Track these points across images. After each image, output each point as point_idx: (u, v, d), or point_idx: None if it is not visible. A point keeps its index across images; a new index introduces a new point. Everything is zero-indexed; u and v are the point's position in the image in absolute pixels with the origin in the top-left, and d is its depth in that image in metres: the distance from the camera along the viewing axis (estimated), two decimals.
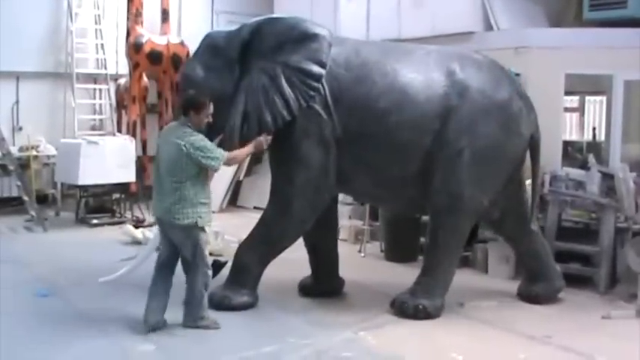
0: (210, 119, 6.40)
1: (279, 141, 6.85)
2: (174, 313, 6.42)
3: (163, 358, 5.87)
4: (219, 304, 6.94)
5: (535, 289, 7.48)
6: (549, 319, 6.99)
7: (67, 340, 6.14)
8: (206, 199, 6.37)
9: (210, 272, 6.48)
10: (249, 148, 6.71)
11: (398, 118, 6.78)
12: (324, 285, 7.61)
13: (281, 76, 6.77)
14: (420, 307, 6.82)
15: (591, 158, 8.50)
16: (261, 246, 7.05)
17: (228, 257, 7.60)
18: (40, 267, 8.57)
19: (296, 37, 6.88)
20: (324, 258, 7.64)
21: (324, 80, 6.80)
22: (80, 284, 7.82)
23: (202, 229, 6.35)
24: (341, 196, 8.41)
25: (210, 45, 7.17)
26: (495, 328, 6.70)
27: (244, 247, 7.19)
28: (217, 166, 6.34)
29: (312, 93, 6.76)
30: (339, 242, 7.93)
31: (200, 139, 6.25)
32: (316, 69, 6.78)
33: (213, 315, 6.57)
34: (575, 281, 7.60)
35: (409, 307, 6.85)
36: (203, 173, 6.34)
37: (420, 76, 6.88)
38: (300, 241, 7.52)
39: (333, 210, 7.65)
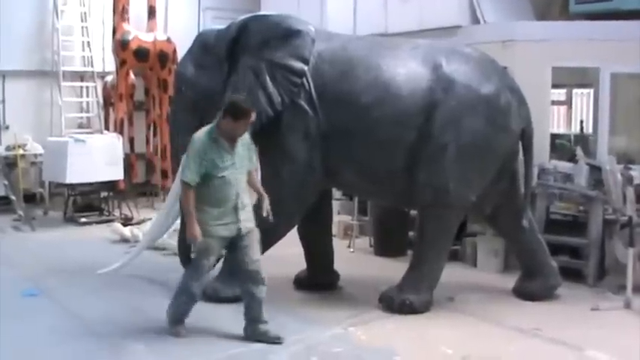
0: (246, 132, 6.05)
1: (266, 137, 6.89)
2: (160, 310, 6.39)
3: (153, 356, 5.84)
4: (211, 296, 7.00)
5: (530, 286, 7.47)
6: (538, 312, 7.01)
7: (55, 340, 6.12)
8: (208, 207, 5.99)
9: (192, 287, 6.16)
10: (189, 217, 6.00)
11: (380, 113, 6.79)
12: (319, 279, 7.66)
13: (265, 73, 6.87)
14: (407, 302, 6.82)
15: (579, 151, 8.52)
16: None
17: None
18: (28, 266, 8.54)
19: (280, 34, 6.96)
20: (319, 252, 7.70)
21: (309, 76, 6.88)
22: (68, 283, 7.79)
23: (203, 233, 6.00)
24: None
25: (202, 43, 7.39)
26: (485, 321, 6.72)
27: None
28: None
29: (294, 89, 6.85)
30: None
31: (188, 151, 5.99)
32: (298, 65, 6.84)
33: (204, 307, 6.57)
34: (564, 274, 7.60)
35: (395, 302, 6.87)
36: (205, 180, 5.95)
37: (405, 71, 6.88)
38: (294, 237, 7.54)
39: (327, 204, 7.70)
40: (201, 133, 5.98)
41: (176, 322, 6.26)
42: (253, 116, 5.97)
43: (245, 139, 6.09)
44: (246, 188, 6.16)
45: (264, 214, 6.09)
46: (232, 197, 5.97)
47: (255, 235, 6.21)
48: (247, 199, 6.12)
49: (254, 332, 6.12)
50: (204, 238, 5.99)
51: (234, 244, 6.12)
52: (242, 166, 6.05)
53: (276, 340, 6.04)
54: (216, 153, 5.89)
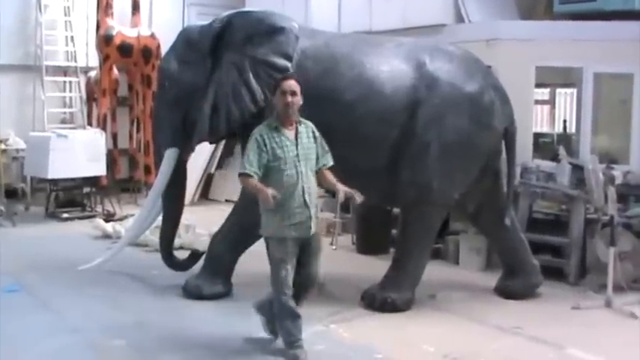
0: (281, 106, 5.51)
1: (249, 133, 6.85)
2: (141, 307, 6.37)
3: (134, 353, 5.81)
4: (193, 293, 7.03)
5: (512, 285, 7.49)
6: (520, 310, 7.03)
7: (36, 336, 6.08)
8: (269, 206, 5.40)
9: (285, 301, 5.52)
10: (257, 189, 5.37)
11: (363, 110, 6.79)
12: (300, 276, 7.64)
13: (248, 70, 6.85)
14: (388, 299, 6.83)
15: (562, 150, 8.55)
16: (233, 236, 7.10)
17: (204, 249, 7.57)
18: (9, 262, 8.45)
19: (264, 31, 6.94)
20: (302, 249, 7.64)
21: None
22: (50, 279, 7.75)
23: (271, 239, 5.56)
24: None
25: (186, 39, 7.36)
26: (466, 319, 6.73)
27: (218, 236, 7.25)
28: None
29: None
30: None
31: (247, 144, 5.55)
32: (282, 62, 6.82)
33: (185, 304, 6.49)
34: (546, 272, 7.63)
35: (377, 300, 6.87)
36: (268, 175, 5.48)
37: (388, 69, 6.89)
38: None
39: None
40: (260, 125, 5.60)
41: (292, 345, 5.59)
42: (298, 90, 5.50)
43: (309, 128, 5.67)
44: (314, 186, 5.62)
45: (341, 199, 5.55)
46: (299, 193, 5.47)
47: (319, 239, 5.80)
48: (316, 198, 5.64)
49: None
50: (274, 245, 5.51)
51: (301, 249, 5.61)
52: (308, 159, 5.57)
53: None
54: (276, 142, 5.47)
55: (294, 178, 5.45)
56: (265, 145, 5.45)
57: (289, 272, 5.50)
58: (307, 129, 5.65)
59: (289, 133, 5.54)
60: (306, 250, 5.63)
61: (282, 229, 5.46)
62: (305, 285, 5.75)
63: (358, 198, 5.53)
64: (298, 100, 5.51)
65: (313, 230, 5.57)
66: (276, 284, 5.52)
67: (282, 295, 5.49)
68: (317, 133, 5.70)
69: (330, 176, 5.72)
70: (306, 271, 5.70)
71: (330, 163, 5.76)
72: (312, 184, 5.57)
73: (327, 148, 5.76)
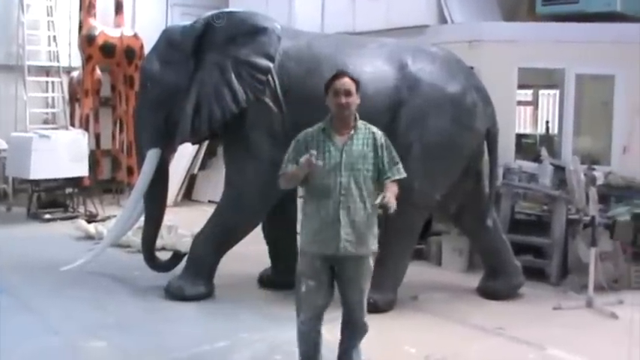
0: (334, 108, 4.82)
1: (231, 133, 6.89)
2: (123, 308, 6.35)
3: (115, 354, 5.80)
4: (175, 294, 7.01)
5: (494, 285, 7.51)
6: (502, 311, 7.06)
7: (17, 338, 6.03)
8: (307, 218, 4.87)
9: (300, 322, 4.94)
10: (295, 171, 4.79)
11: None
12: (284, 278, 7.61)
13: (230, 70, 6.86)
14: (370, 300, 6.72)
15: (544, 151, 8.59)
16: (215, 237, 7.08)
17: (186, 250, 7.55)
18: None
19: (246, 31, 6.95)
20: (284, 251, 7.62)
21: (274, 73, 6.89)
22: (31, 281, 7.70)
23: (299, 253, 4.93)
24: None
25: (168, 39, 7.35)
26: (448, 320, 6.75)
27: (200, 237, 7.22)
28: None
29: (259, 86, 6.84)
30: None
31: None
32: (264, 62, 6.83)
33: (168, 305, 6.45)
34: (527, 273, 7.66)
35: None
36: (306, 185, 4.88)
37: (371, 70, 6.88)
38: (259, 234, 7.52)
39: (292, 203, 7.65)
40: (311, 128, 4.94)
41: None
42: (354, 88, 4.81)
43: (370, 135, 4.84)
44: (360, 201, 4.75)
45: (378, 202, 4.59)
46: (334, 206, 4.71)
47: (366, 267, 4.89)
48: (362, 215, 4.75)
49: None
50: (301, 259, 4.88)
51: (335, 273, 4.88)
52: (355, 169, 4.74)
53: None
54: (320, 147, 4.75)
55: (329, 188, 4.71)
56: (306, 148, 4.72)
57: (312, 290, 4.79)
58: (367, 135, 4.83)
59: (340, 138, 4.79)
60: (339, 277, 4.87)
61: (307, 242, 4.82)
62: (346, 323, 5.05)
63: (392, 208, 4.60)
64: (355, 100, 4.79)
65: (344, 251, 4.73)
66: (296, 302, 4.92)
67: (298, 314, 4.89)
68: (381, 141, 4.85)
69: (393, 187, 4.80)
70: (345, 306, 4.96)
71: (397, 176, 4.85)
72: (355, 198, 4.73)
73: (397, 159, 4.90)
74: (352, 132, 4.80)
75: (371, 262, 4.88)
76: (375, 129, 4.88)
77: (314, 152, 4.57)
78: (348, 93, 4.76)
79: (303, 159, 4.59)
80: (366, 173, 4.76)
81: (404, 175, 4.89)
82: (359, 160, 4.74)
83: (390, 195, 4.62)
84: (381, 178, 4.81)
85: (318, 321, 4.93)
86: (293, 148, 4.87)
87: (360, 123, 4.85)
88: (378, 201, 4.59)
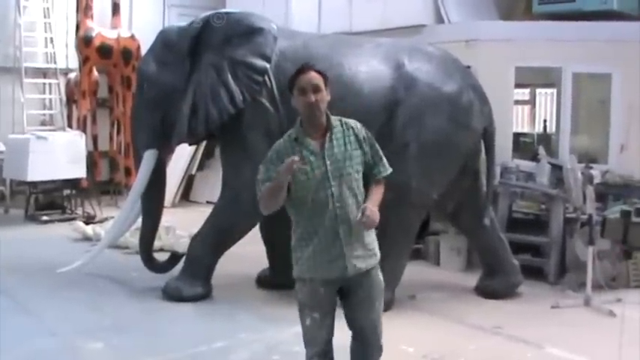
0: (302, 108, 4.12)
1: (228, 134, 6.88)
2: (121, 309, 6.35)
3: (112, 355, 5.79)
4: (173, 295, 7.01)
5: (492, 284, 7.51)
6: (499, 310, 7.05)
7: (14, 339, 6.02)
8: (299, 240, 4.16)
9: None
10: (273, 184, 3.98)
11: (341, 111, 6.72)
12: (281, 278, 7.60)
13: (227, 71, 6.86)
14: None
15: (541, 150, 8.59)
16: (213, 237, 7.08)
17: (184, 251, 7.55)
18: None
19: (242, 32, 6.97)
20: (281, 252, 7.59)
21: (271, 74, 6.88)
22: (29, 282, 7.69)
23: (297, 280, 4.22)
24: None
25: (164, 40, 7.35)
26: (446, 319, 6.74)
27: (197, 238, 7.22)
28: None
29: (256, 87, 6.84)
30: None
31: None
32: (260, 63, 6.84)
33: (166, 306, 6.43)
34: (525, 271, 7.65)
35: None
36: (291, 202, 4.14)
37: (367, 70, 6.89)
38: (257, 235, 7.52)
39: None
40: (281, 139, 4.22)
41: None
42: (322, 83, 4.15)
43: (350, 130, 4.20)
44: (356, 209, 4.06)
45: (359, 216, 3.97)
46: (331, 222, 4.04)
47: (379, 281, 4.27)
48: (359, 225, 4.03)
49: None
50: (299, 286, 4.20)
51: (343, 294, 4.24)
52: (343, 174, 4.06)
53: None
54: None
55: (320, 203, 4.03)
56: (280, 160, 3.99)
57: (317, 324, 4.17)
58: (346, 132, 4.18)
59: (316, 143, 4.08)
60: (349, 299, 4.23)
61: (305, 269, 4.12)
62: (358, 345, 4.42)
63: (375, 223, 4.04)
64: (324, 96, 4.12)
65: (353, 270, 4.09)
66: (303, 337, 4.27)
67: (307, 351, 4.27)
68: (363, 134, 4.23)
69: (377, 194, 4.21)
70: (357, 330, 4.35)
71: (385, 173, 4.29)
72: (352, 207, 4.07)
73: (380, 152, 4.30)
74: (328, 133, 4.11)
75: (380, 273, 4.29)
76: (352, 122, 4.25)
77: (295, 157, 3.83)
78: (316, 89, 4.08)
79: (281, 167, 3.87)
80: (357, 175, 4.13)
81: (390, 170, 4.30)
82: (345, 162, 4.07)
83: (372, 206, 4.01)
84: (369, 174, 4.22)
85: (329, 353, 4.32)
86: (265, 170, 4.10)
87: (335, 119, 4.19)
88: (358, 217, 3.97)
